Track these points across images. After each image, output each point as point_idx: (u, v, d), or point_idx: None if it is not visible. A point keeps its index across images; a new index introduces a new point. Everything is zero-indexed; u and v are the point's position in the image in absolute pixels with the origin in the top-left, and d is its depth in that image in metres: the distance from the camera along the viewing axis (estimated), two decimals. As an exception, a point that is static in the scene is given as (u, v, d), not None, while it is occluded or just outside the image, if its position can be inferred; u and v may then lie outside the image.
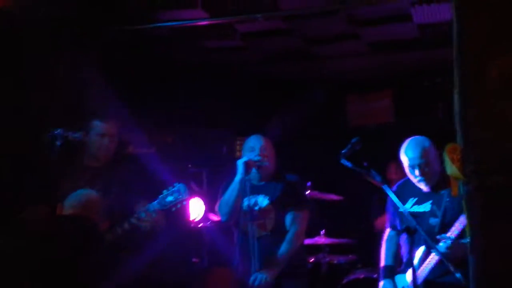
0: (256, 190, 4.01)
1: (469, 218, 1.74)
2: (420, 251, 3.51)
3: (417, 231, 3.08)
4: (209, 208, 5.65)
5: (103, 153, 3.89)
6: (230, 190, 4.03)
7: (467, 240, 3.23)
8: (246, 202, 3.93)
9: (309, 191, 5.42)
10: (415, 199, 3.67)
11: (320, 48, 5.71)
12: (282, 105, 6.46)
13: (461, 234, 3.36)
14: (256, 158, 3.96)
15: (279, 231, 3.95)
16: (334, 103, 6.64)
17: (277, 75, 6.44)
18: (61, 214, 3.38)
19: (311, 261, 5.37)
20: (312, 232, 5.13)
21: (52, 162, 3.61)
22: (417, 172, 3.56)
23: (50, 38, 4.35)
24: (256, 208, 3.96)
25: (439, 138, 3.49)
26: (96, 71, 4.66)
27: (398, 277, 3.70)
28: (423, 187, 3.63)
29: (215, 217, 5.62)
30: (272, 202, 3.97)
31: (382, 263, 3.81)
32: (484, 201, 1.73)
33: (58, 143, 3.58)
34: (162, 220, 3.76)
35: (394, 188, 3.79)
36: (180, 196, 3.67)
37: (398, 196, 3.47)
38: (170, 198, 3.66)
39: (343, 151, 3.32)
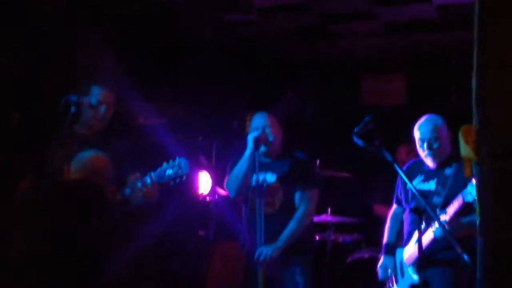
0: (264, 167, 4.01)
1: (480, 199, 1.72)
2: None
3: (426, 212, 3.07)
4: (217, 182, 5.65)
5: (96, 122, 3.76)
6: (239, 165, 4.03)
7: (467, 218, 3.31)
8: (254, 178, 3.93)
9: (318, 168, 5.41)
10: (422, 176, 3.76)
11: (336, 26, 5.65)
12: (295, 82, 6.42)
13: (459, 212, 3.41)
14: (260, 134, 3.95)
15: (288, 209, 3.95)
16: (348, 82, 6.60)
17: (291, 52, 6.39)
18: (65, 180, 3.30)
19: (316, 239, 5.38)
20: (319, 210, 5.14)
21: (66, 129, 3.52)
22: (425, 145, 3.65)
23: (63, 10, 4.34)
24: (265, 184, 3.96)
25: (452, 121, 3.48)
26: (108, 44, 4.64)
27: (398, 251, 3.81)
28: (430, 163, 3.72)
29: (223, 191, 5.62)
30: (279, 179, 3.97)
31: (385, 239, 3.92)
32: (497, 183, 1.71)
33: (72, 109, 3.51)
34: (156, 194, 3.55)
35: (404, 168, 3.86)
36: (180, 171, 3.48)
37: (406, 175, 3.48)
38: (169, 172, 3.48)
39: (355, 129, 3.29)
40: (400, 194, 3.89)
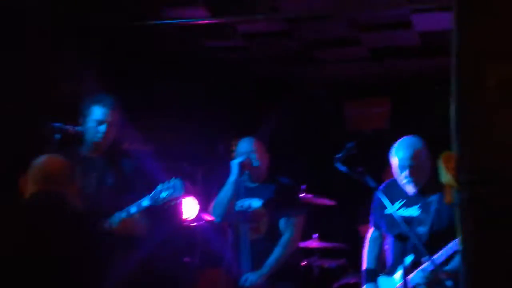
0: (249, 193, 4.02)
1: (462, 227, 1.73)
2: (407, 260, 3.42)
3: (409, 238, 3.05)
4: (203, 208, 5.64)
5: (99, 141, 3.70)
6: (224, 190, 4.03)
7: (450, 267, 3.23)
8: (240, 204, 3.93)
9: (303, 194, 5.42)
10: (403, 201, 3.58)
11: (320, 52, 5.71)
12: (280, 107, 6.46)
13: (447, 260, 3.31)
14: (244, 159, 3.96)
15: (273, 235, 3.95)
16: (332, 107, 6.64)
17: (276, 77, 6.44)
18: (20, 198, 3.12)
19: (302, 264, 5.37)
20: (304, 235, 5.13)
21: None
22: (406, 173, 3.47)
23: (51, 33, 4.34)
24: (250, 210, 3.96)
25: (435, 147, 3.50)
26: (94, 67, 4.64)
27: (381, 280, 3.63)
28: (410, 189, 3.54)
29: (208, 217, 5.60)
30: (265, 204, 3.97)
31: (365, 265, 3.75)
32: (477, 210, 1.72)
33: (56, 136, 3.51)
34: (141, 225, 3.54)
35: (381, 187, 3.69)
36: (175, 193, 3.43)
37: (385, 196, 3.43)
38: (164, 194, 3.42)
39: (338, 156, 3.31)
40: (379, 218, 3.71)
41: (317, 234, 5.45)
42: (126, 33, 4.98)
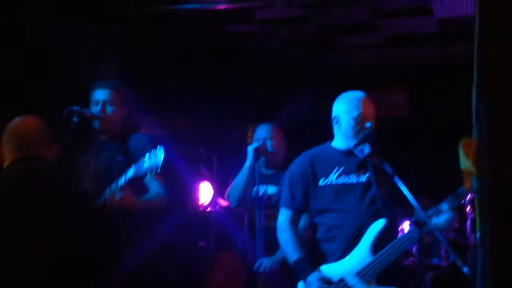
0: (266, 179, 4.02)
1: (480, 213, 1.72)
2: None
3: (426, 224, 2.97)
4: (218, 193, 5.66)
5: (105, 123, 3.67)
6: (240, 176, 4.03)
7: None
8: (255, 190, 3.94)
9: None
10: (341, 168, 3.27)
11: (338, 38, 5.68)
12: (296, 93, 6.43)
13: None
14: (260, 145, 3.96)
15: None
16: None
17: (293, 63, 6.41)
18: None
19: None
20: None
21: (68, 139, 3.51)
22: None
23: (74, 14, 4.35)
24: (266, 197, 3.96)
25: (454, 133, 3.46)
26: (113, 51, 4.65)
27: (328, 268, 3.16)
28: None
29: (224, 202, 5.62)
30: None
31: (293, 255, 3.21)
32: (496, 197, 1.71)
33: (74, 119, 3.51)
34: (131, 200, 3.37)
35: (307, 155, 3.39)
36: (155, 162, 3.18)
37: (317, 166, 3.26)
38: (146, 165, 3.23)
39: (356, 141, 3.27)
40: (304, 194, 3.27)
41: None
42: (144, 18, 4.98)
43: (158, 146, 3.25)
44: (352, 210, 3.17)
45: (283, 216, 3.31)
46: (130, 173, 3.31)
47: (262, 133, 4.10)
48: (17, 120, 2.92)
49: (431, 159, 5.64)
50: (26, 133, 2.86)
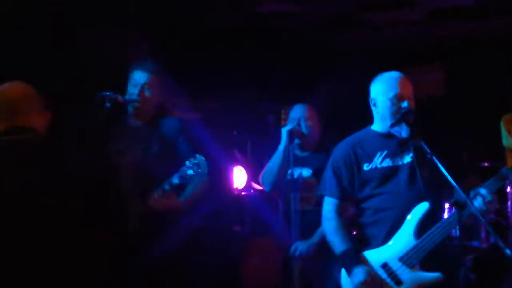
0: (301, 162, 3.96)
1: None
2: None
3: (467, 206, 2.86)
4: (252, 177, 5.63)
5: (139, 106, 3.63)
6: (274, 158, 3.99)
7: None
8: (290, 173, 3.88)
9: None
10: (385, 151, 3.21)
11: (372, 15, 5.56)
12: (330, 74, 6.35)
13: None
14: (294, 126, 3.91)
15: None
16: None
17: (327, 43, 6.31)
18: None
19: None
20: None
21: (100, 124, 3.50)
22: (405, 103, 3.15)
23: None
24: (300, 180, 3.91)
25: (493, 110, 3.34)
26: (142, 38, 4.64)
27: (373, 254, 3.13)
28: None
29: (258, 186, 5.60)
30: (315, 173, 3.91)
31: (340, 247, 3.16)
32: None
33: (107, 105, 3.47)
34: (176, 205, 3.49)
35: (350, 142, 3.35)
36: (200, 170, 3.31)
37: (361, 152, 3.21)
38: (190, 172, 3.32)
39: (393, 121, 3.19)
40: (350, 182, 3.22)
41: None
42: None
43: (198, 154, 3.30)
44: (398, 192, 3.12)
45: (329, 206, 3.27)
46: (175, 180, 3.36)
47: (297, 113, 4.04)
48: (1, 86, 2.75)
49: (471, 138, 5.51)
50: (12, 99, 2.69)
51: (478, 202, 2.96)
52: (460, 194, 2.76)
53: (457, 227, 2.94)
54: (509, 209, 4.97)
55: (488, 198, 2.95)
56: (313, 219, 3.80)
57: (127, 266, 3.46)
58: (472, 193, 2.99)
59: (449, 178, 2.80)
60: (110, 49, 4.49)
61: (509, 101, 1.80)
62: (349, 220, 3.31)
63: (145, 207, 3.46)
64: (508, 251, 2.73)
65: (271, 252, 5.08)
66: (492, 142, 3.38)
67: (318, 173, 3.89)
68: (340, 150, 3.33)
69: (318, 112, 4.15)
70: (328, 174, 3.31)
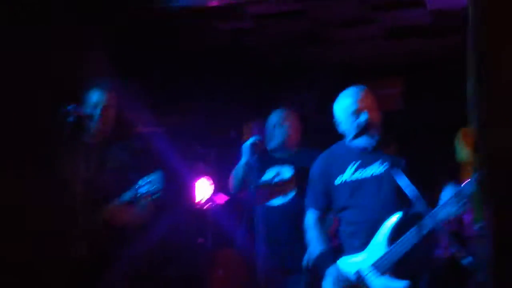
0: (281, 161, 4.09)
1: (482, 202, 1.72)
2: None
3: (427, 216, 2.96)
4: (217, 189, 5.65)
5: (97, 126, 3.67)
6: (236, 171, 4.04)
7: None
8: (267, 175, 3.97)
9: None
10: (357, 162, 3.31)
11: (331, 32, 5.67)
12: (292, 90, 6.43)
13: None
14: (257, 140, 3.98)
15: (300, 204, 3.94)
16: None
17: (287, 59, 6.40)
18: None
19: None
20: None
21: (62, 139, 3.51)
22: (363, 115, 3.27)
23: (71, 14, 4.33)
24: (277, 179, 3.99)
25: (449, 126, 3.47)
26: (103, 49, 4.63)
27: (353, 258, 3.24)
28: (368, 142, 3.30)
29: (221, 199, 5.63)
30: (297, 171, 4.00)
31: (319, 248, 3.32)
32: (496, 187, 1.71)
33: (70, 119, 3.49)
34: (128, 219, 3.55)
35: (324, 156, 3.50)
36: (154, 187, 3.40)
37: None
38: (143, 190, 3.42)
39: (352, 135, 3.29)
40: (322, 193, 3.37)
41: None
42: (135, 15, 4.95)
43: (155, 171, 3.33)
44: (368, 205, 3.21)
45: (310, 216, 3.41)
46: (126, 197, 3.43)
47: (273, 119, 4.15)
48: None
49: (427, 153, 5.64)
50: None
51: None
52: (422, 205, 2.87)
53: (419, 238, 3.04)
54: (469, 219, 5.09)
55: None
56: (278, 216, 3.87)
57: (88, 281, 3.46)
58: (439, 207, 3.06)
59: (414, 189, 2.91)
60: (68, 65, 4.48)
61: (464, 116, 1.90)
62: (335, 232, 3.47)
63: (97, 223, 3.48)
64: (467, 261, 2.84)
65: (235, 264, 5.11)
66: (449, 157, 3.51)
67: (299, 171, 3.95)
68: (317, 163, 3.47)
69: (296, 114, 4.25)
70: (309, 187, 3.46)
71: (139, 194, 3.41)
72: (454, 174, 3.49)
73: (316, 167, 3.45)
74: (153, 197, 3.43)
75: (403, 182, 3.00)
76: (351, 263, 3.19)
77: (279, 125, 4.13)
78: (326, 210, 3.40)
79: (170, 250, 5.19)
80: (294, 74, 6.52)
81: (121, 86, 3.93)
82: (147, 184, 3.41)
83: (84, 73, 4.39)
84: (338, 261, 3.22)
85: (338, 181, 3.30)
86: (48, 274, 3.44)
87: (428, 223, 2.97)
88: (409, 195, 3.01)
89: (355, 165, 3.29)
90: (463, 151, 1.77)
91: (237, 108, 6.12)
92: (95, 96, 3.69)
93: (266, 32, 5.68)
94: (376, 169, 3.24)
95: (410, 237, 3.08)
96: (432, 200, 3.08)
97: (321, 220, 3.39)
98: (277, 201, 4.00)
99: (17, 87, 4.13)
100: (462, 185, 3.03)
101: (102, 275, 3.49)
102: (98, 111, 3.66)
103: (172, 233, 4.97)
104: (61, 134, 3.47)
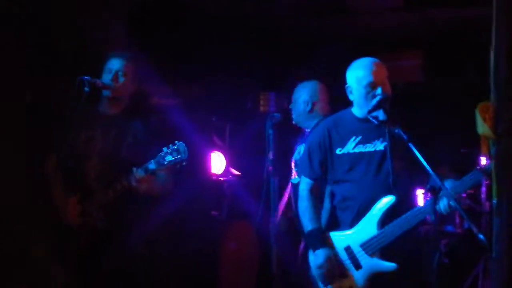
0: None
1: (497, 179, 1.67)
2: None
3: (442, 190, 2.91)
4: (231, 162, 5.64)
5: (115, 93, 3.63)
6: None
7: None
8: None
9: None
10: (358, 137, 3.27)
11: (351, 2, 5.56)
12: (309, 61, 6.35)
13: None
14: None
15: None
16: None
17: (306, 30, 6.31)
18: None
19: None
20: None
21: (77, 109, 3.46)
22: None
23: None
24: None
25: (470, 98, 3.39)
26: (121, 20, 4.60)
27: (337, 237, 3.24)
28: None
29: (236, 171, 5.62)
30: None
31: (311, 225, 3.27)
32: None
33: (86, 89, 3.45)
34: (154, 184, 3.51)
35: (325, 124, 3.42)
36: (179, 156, 3.38)
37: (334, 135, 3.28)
38: (169, 158, 3.39)
39: (369, 108, 3.22)
40: (320, 162, 3.30)
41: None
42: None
43: (178, 141, 3.32)
44: (363, 182, 3.18)
45: (303, 185, 3.37)
46: (152, 166, 3.40)
47: (304, 93, 4.10)
48: None
49: (447, 125, 5.57)
50: None
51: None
52: (435, 180, 2.81)
53: (432, 214, 2.99)
54: (482, 195, 5.05)
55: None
56: None
57: (104, 253, 3.48)
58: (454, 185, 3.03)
59: (426, 165, 2.84)
60: (87, 33, 4.45)
61: (485, 90, 1.84)
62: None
63: (114, 193, 3.48)
64: (481, 237, 2.79)
65: (249, 236, 5.12)
66: (469, 129, 3.43)
67: None
68: (316, 130, 3.42)
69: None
70: (304, 154, 3.41)
71: (166, 162, 3.38)
72: (474, 147, 3.42)
73: (315, 135, 3.38)
74: (179, 166, 3.41)
75: (412, 156, 2.92)
76: (342, 239, 3.20)
77: (311, 103, 4.06)
78: (320, 180, 3.35)
79: (186, 221, 5.21)
80: (313, 45, 6.43)
81: (139, 56, 3.90)
82: (174, 152, 3.39)
83: (103, 41, 4.38)
84: (330, 235, 3.23)
85: (339, 151, 3.25)
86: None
87: (444, 195, 2.92)
88: (416, 172, 2.97)
89: (358, 139, 3.24)
90: (482, 126, 1.72)
91: (254, 79, 6.07)
92: (111, 63, 3.66)
93: (286, 3, 5.59)
94: (378, 145, 3.21)
95: (401, 224, 3.08)
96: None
97: (315, 191, 3.35)
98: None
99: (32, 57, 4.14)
100: (479, 169, 3.00)
101: (121, 244, 3.50)
102: (110, 76, 3.62)
103: (187, 205, 4.97)
104: (77, 104, 3.43)
